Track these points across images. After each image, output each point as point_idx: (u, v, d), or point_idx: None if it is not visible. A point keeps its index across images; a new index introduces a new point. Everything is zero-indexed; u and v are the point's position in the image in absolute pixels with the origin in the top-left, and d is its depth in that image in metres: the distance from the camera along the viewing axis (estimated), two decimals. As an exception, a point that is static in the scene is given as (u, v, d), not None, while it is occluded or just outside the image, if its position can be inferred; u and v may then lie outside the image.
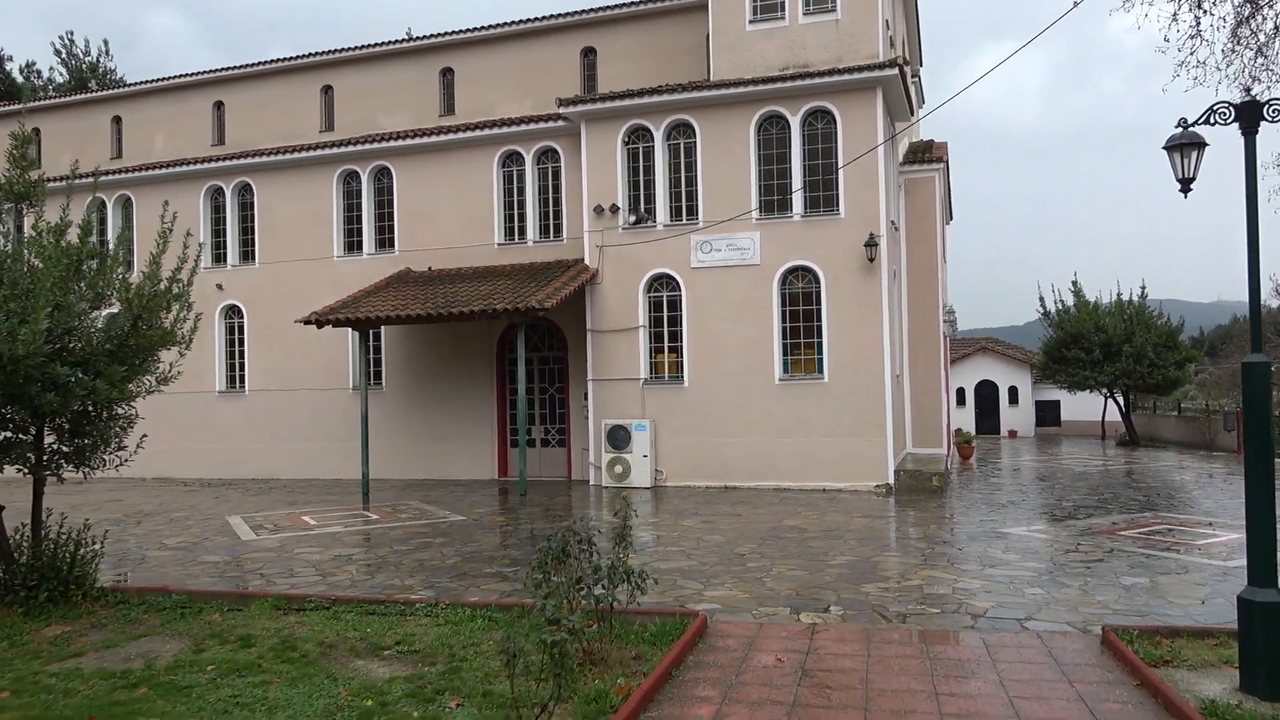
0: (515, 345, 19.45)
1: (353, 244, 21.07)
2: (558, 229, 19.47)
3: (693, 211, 17.77)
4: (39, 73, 36.69)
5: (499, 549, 11.25)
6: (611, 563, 6.80)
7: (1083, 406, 36.42)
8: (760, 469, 17.06)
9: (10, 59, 35.10)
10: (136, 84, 26.62)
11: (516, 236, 19.76)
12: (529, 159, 19.51)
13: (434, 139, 19.93)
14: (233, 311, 21.94)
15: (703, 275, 17.52)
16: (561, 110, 18.17)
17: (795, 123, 17.08)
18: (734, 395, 17.26)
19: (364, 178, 20.78)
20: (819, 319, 16.96)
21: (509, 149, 19.66)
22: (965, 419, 36.38)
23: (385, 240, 20.82)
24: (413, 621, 7.58)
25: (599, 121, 18.19)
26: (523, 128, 19.25)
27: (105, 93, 26.63)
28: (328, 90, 23.63)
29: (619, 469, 17.53)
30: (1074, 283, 31.51)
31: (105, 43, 41.33)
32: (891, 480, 16.39)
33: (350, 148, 20.59)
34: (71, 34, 38.29)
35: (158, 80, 25.58)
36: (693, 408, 17.52)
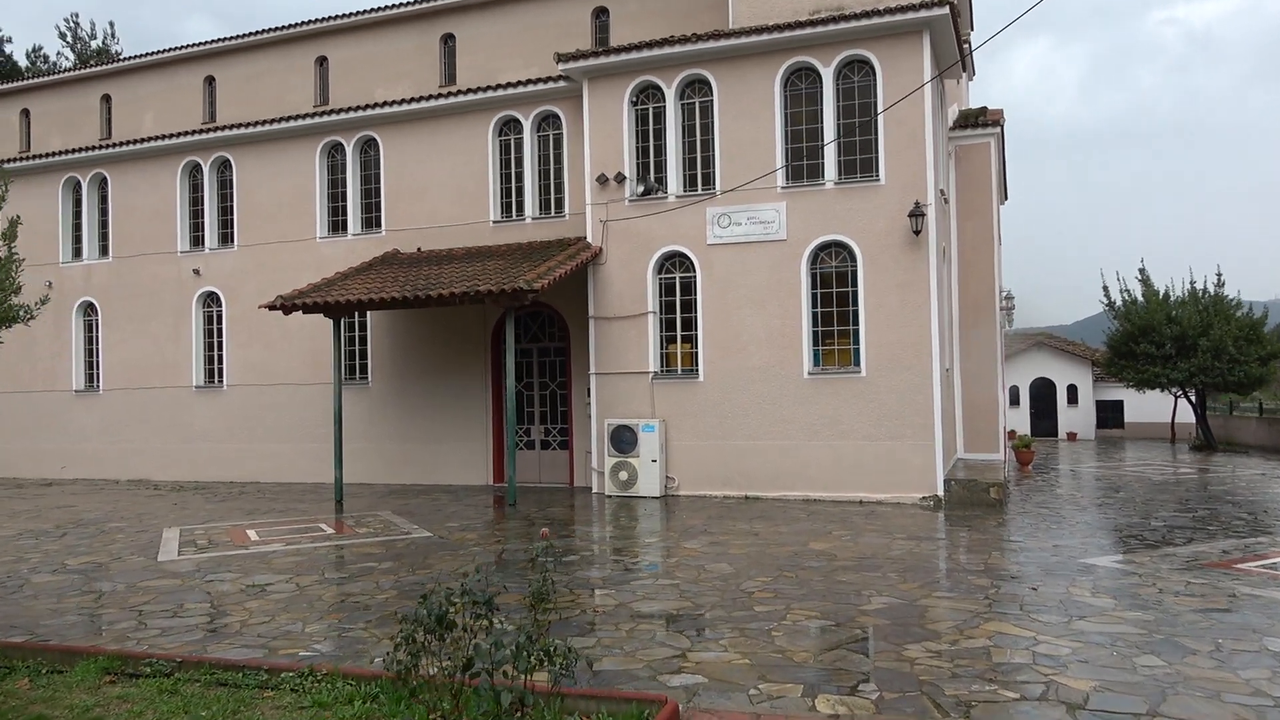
0: (515, 334, 17.38)
1: (337, 224, 19.08)
2: (559, 205, 17.28)
3: (709, 180, 15.46)
4: (45, 57, 35.45)
5: (453, 578, 9.07)
6: (522, 639, 4.52)
7: (1149, 407, 33.42)
8: (786, 477, 14.72)
9: (10, 40, 33.83)
10: (125, 59, 24.99)
11: (514, 213, 17.61)
12: (528, 126, 17.34)
13: (423, 105, 17.85)
14: (211, 299, 20.09)
15: (720, 253, 15.22)
16: (562, 67, 15.97)
17: (828, 75, 14.70)
18: (756, 392, 14.93)
19: (349, 150, 18.78)
20: (855, 303, 14.57)
21: (506, 115, 17.51)
22: (1020, 420, 33.58)
23: (372, 219, 18.80)
24: (268, 701, 5.41)
25: (604, 79, 15.96)
26: (520, 90, 17.09)
27: (93, 70, 24.98)
28: (322, 62, 21.76)
29: (624, 475, 15.29)
30: (1141, 271, 28.62)
31: (111, 25, 40.06)
32: (941, 491, 13.95)
33: (333, 117, 18.60)
34: (76, 16, 37.17)
35: (147, 55, 23.93)
36: (709, 406, 15.22)
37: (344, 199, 18.92)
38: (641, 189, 15.74)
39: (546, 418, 17.46)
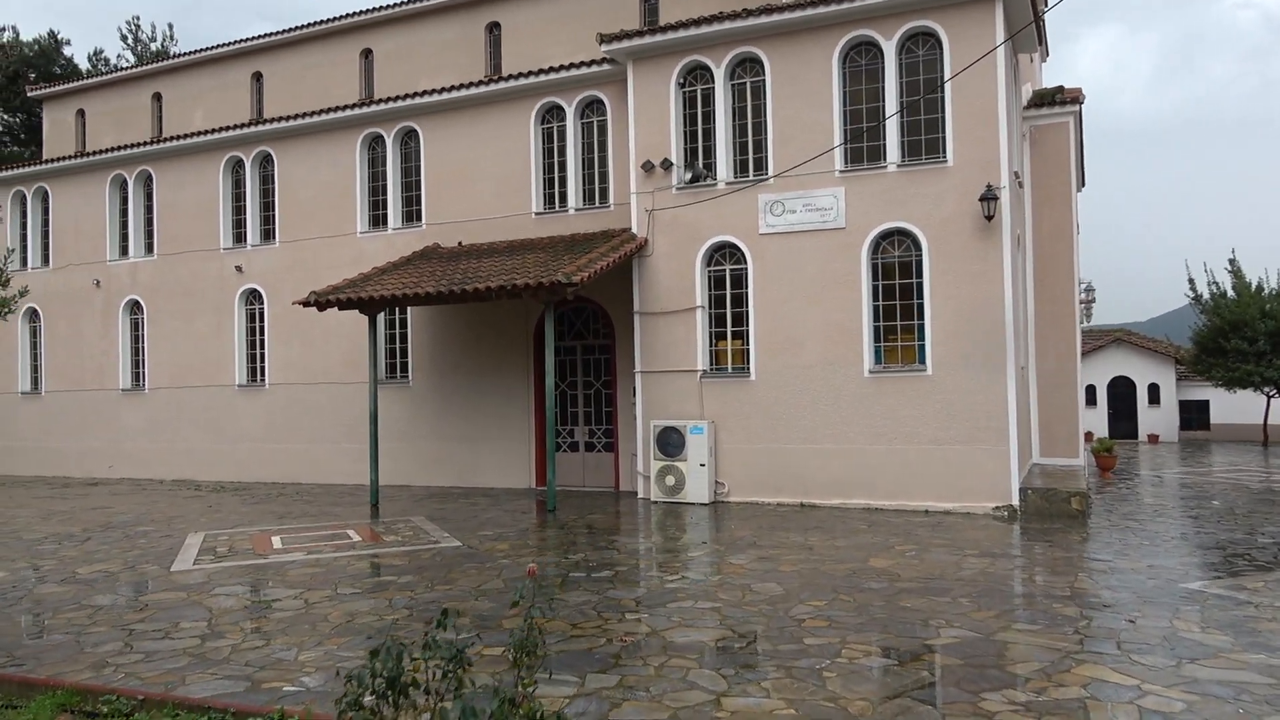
0: (558, 331, 16.61)
1: (378, 218, 18.52)
2: (603, 195, 16.44)
3: (761, 166, 14.46)
4: (106, 60, 35.85)
5: (470, 596, 8.28)
6: (499, 704, 3.66)
7: (1238, 407, 31.33)
8: (845, 483, 13.66)
9: (68, 43, 34.28)
10: (175, 57, 24.90)
11: (557, 204, 16.82)
12: (571, 112, 16.53)
13: (463, 93, 17.16)
14: (253, 296, 19.72)
15: (773, 243, 14.21)
16: (605, 48, 15.11)
17: (890, 50, 13.59)
18: (812, 391, 13.90)
19: (389, 142, 18.20)
20: (920, 296, 13.45)
21: (548, 102, 16.73)
22: (1096, 421, 31.78)
23: (413, 213, 18.19)
24: (226, 754, 4.65)
25: (649, 60, 15.07)
26: (563, 74, 16.28)
27: (144, 69, 24.95)
28: (367, 55, 21.33)
29: (670, 480, 14.38)
30: (1231, 263, 26.77)
31: (170, 27, 40.49)
32: (1016, 501, 12.76)
33: (373, 108, 18.03)
34: (137, 19, 37.55)
35: (197, 52, 23.81)
36: (761, 407, 14.23)
37: (384, 192, 18.36)
38: (689, 176, 14.81)
39: (591, 418, 16.63)
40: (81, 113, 25.62)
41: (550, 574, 9.16)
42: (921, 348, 13.45)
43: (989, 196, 12.74)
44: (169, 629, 7.35)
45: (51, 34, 33.57)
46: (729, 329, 14.66)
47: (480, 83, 17.06)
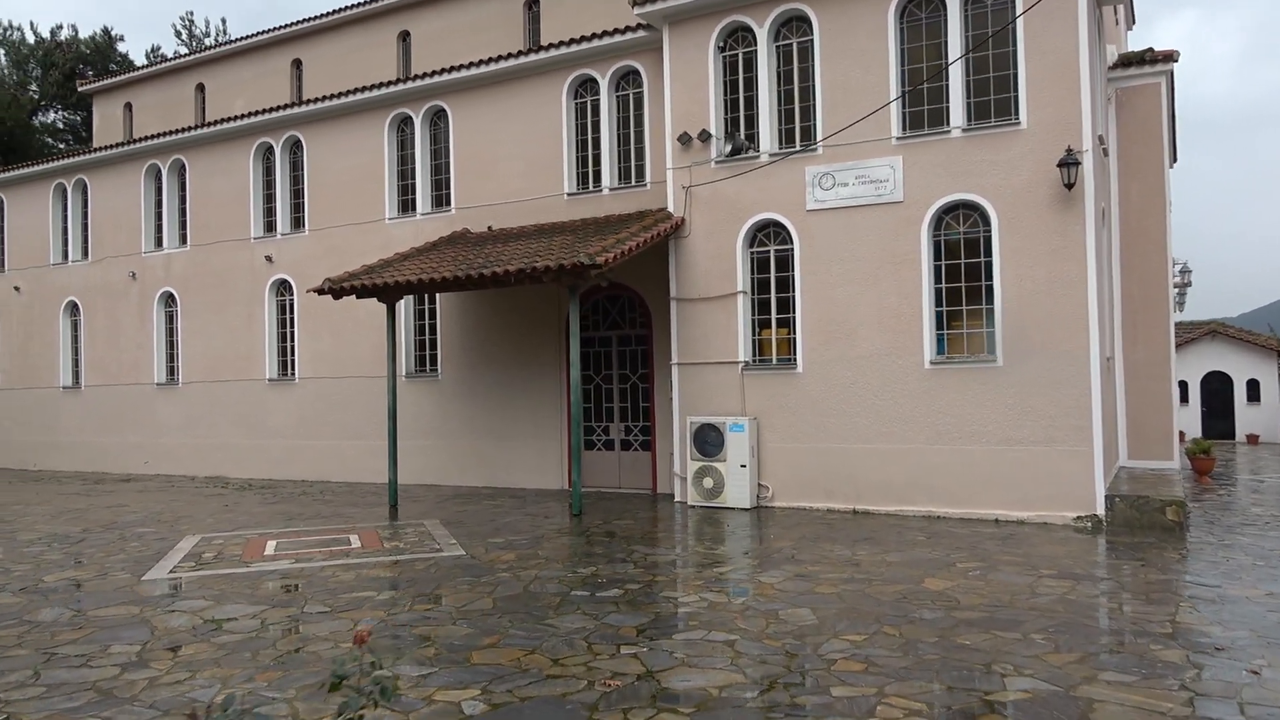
0: (592, 321, 15.50)
1: (406, 203, 17.60)
2: (639, 173, 15.20)
3: (809, 135, 13.06)
4: (163, 56, 35.91)
5: (449, 619, 7.13)
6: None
7: (1350, 405, 28.60)
8: (903, 488, 12.20)
9: (122, 39, 34.40)
10: (217, 46, 24.47)
11: (590, 184, 15.64)
12: (605, 85, 15.33)
13: (493, 67, 16.09)
14: (283, 287, 19.00)
15: (823, 220, 12.80)
16: (639, 11, 13.86)
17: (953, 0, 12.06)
18: (866, 385, 12.46)
19: (418, 123, 17.25)
20: (989, 276, 11.90)
21: (581, 74, 15.55)
22: (1189, 420, 29.36)
23: (441, 197, 17.22)
24: None
25: (686, 22, 13.77)
26: (596, 44, 15.08)
27: (187, 59, 24.55)
28: (405, 37, 20.52)
29: (709, 482, 13.08)
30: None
31: (223, 21, 40.53)
32: (1101, 510, 11.14)
33: (400, 86, 17.09)
34: (191, 14, 37.72)
35: (237, 41, 23.35)
36: (809, 402, 12.84)
37: (413, 176, 17.43)
38: (729, 148, 13.47)
39: (627, 414, 15.41)
40: (129, 106, 25.42)
41: (550, 591, 7.98)
42: (990, 335, 11.91)
43: (1069, 162, 11.14)
44: (94, 654, 6.36)
45: (106, 30, 33.74)
46: (773, 316, 13.30)
47: (509, 56, 15.97)
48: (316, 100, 18.18)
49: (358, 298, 14.29)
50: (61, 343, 22.30)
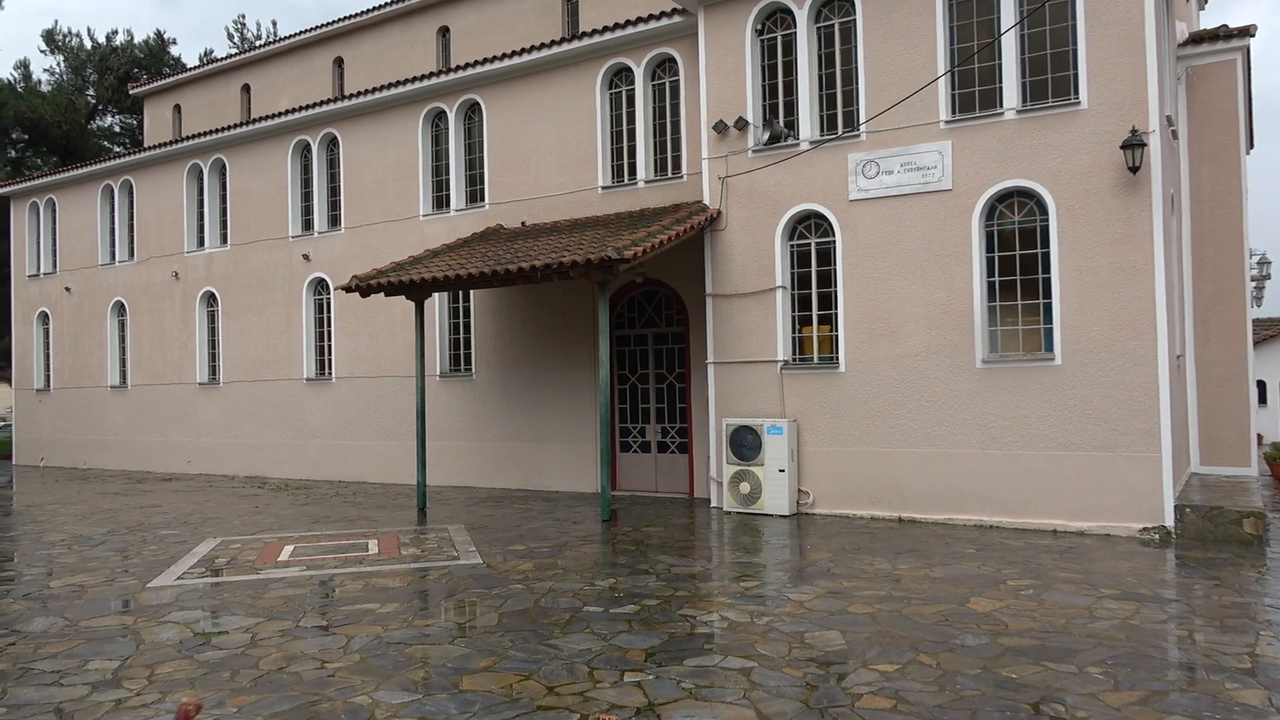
0: (627, 318, 14.99)
1: (440, 199, 17.26)
2: (675, 164, 14.61)
3: (850, 121, 12.34)
4: (214, 59, 36.35)
5: (445, 638, 6.65)
6: None
7: None
8: (953, 495, 11.43)
9: (174, 42, 34.85)
10: (261, 46, 24.50)
11: (625, 177, 15.10)
12: (640, 74, 14.77)
13: (526, 58, 15.64)
14: (320, 286, 18.82)
15: (866, 211, 12.07)
16: (672, -5, 13.29)
17: (1008, -28, 11.24)
18: (913, 385, 11.71)
19: (451, 117, 16.89)
20: (1046, 269, 11.07)
21: (616, 63, 15.02)
22: (1267, 422, 27.75)
23: (476, 193, 16.84)
24: None
25: (722, 5, 13.15)
26: (630, 31, 14.54)
27: (233, 60, 24.65)
28: (444, 32, 20.28)
29: (745, 487, 12.45)
30: None
31: (274, 24, 40.89)
32: (1171, 521, 10.26)
33: (434, 80, 16.75)
34: (243, 17, 38.13)
35: (281, 40, 23.36)
36: (852, 403, 12.13)
37: (447, 172, 17.08)
38: (768, 136, 12.81)
39: (664, 415, 14.84)
40: (178, 108, 25.65)
41: (560, 606, 7.45)
42: (1048, 332, 11.07)
43: (1134, 143, 10.26)
44: (70, 670, 6.02)
45: (158, 34, 34.23)
46: (814, 313, 12.61)
47: (543, 46, 15.50)
48: (352, 96, 17.95)
49: (386, 295, 13.95)
50: (109, 342, 22.50)
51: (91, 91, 33.59)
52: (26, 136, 31.18)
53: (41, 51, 34.73)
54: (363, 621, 7.12)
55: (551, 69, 15.64)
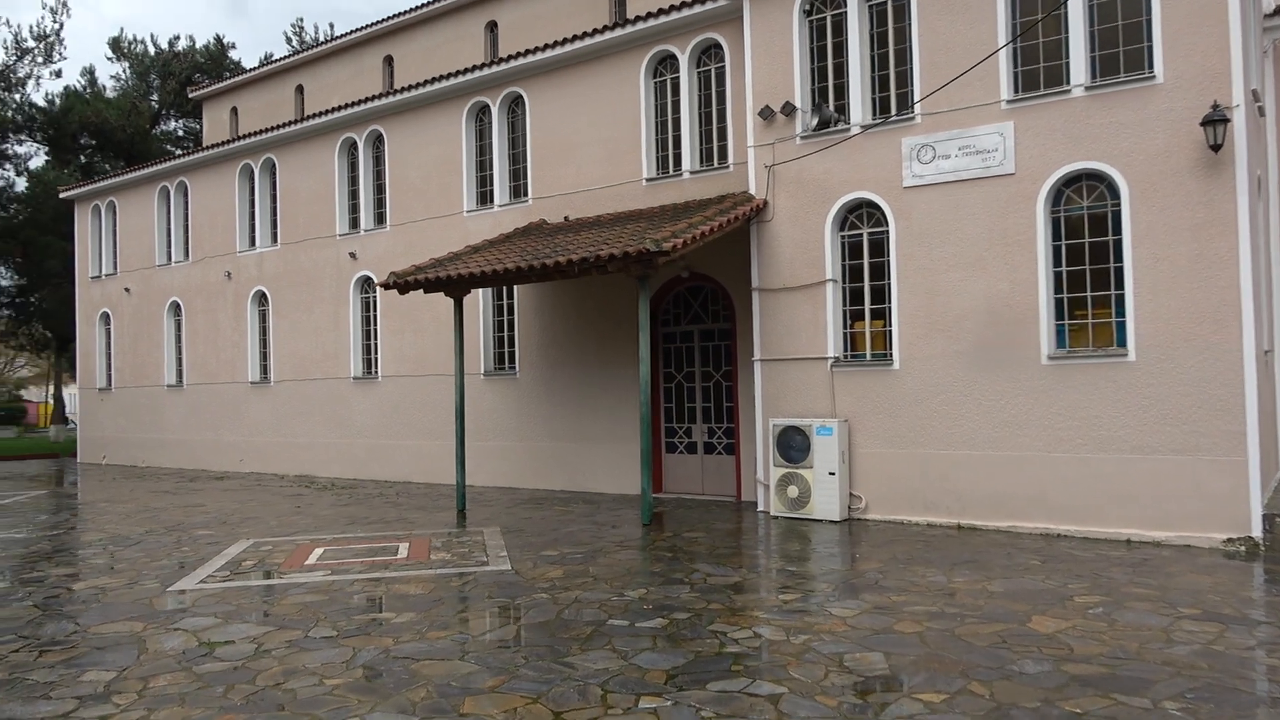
0: (672, 315, 14.51)
1: (484, 195, 16.96)
2: (721, 154, 14.05)
3: (905, 102, 11.65)
4: (272, 61, 36.81)
5: (455, 653, 6.23)
6: None
7: None
8: (1016, 501, 10.67)
9: (234, 46, 35.36)
10: (314, 47, 24.60)
11: (670, 168, 14.59)
12: (684, 61, 14.25)
13: (569, 48, 15.24)
14: (367, 284, 18.70)
15: (922, 198, 11.37)
16: (716, -23, 12.73)
17: (1075, -61, 10.45)
18: (973, 383, 10.98)
19: (495, 111, 16.57)
20: (1118, 257, 10.25)
21: (661, 51, 14.52)
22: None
23: (519, 187, 16.50)
24: None
25: (768, -14, 12.56)
26: (675, 16, 14.02)
27: (287, 61, 24.81)
28: (492, 27, 20.02)
29: (793, 491, 11.85)
30: None
31: (331, 26, 41.28)
32: (1258, 531, 9.38)
33: (476, 74, 16.45)
34: (301, 21, 38.60)
35: (333, 40, 23.42)
36: (907, 402, 11.45)
37: (490, 167, 16.77)
38: (816, 121, 12.19)
39: (711, 415, 14.29)
40: (234, 110, 25.92)
41: (584, 619, 6.98)
42: (1120, 325, 10.25)
43: (1216, 119, 9.41)
44: (63, 681, 5.75)
45: (218, 38, 34.77)
46: (867, 307, 11.94)
47: (585, 35, 15.07)
48: (396, 91, 17.77)
49: (425, 292, 13.69)
50: (166, 342, 22.77)
51: (155, 97, 34.27)
52: (94, 141, 31.90)
53: (108, 59, 35.55)
54: (374, 633, 6.75)
55: (595, 59, 15.21)
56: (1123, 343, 10.19)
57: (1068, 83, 10.47)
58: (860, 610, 7.16)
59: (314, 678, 5.73)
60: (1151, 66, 9.98)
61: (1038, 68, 10.78)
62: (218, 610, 7.54)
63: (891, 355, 11.60)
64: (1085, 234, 10.50)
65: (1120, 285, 10.22)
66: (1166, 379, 9.84)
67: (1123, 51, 10.28)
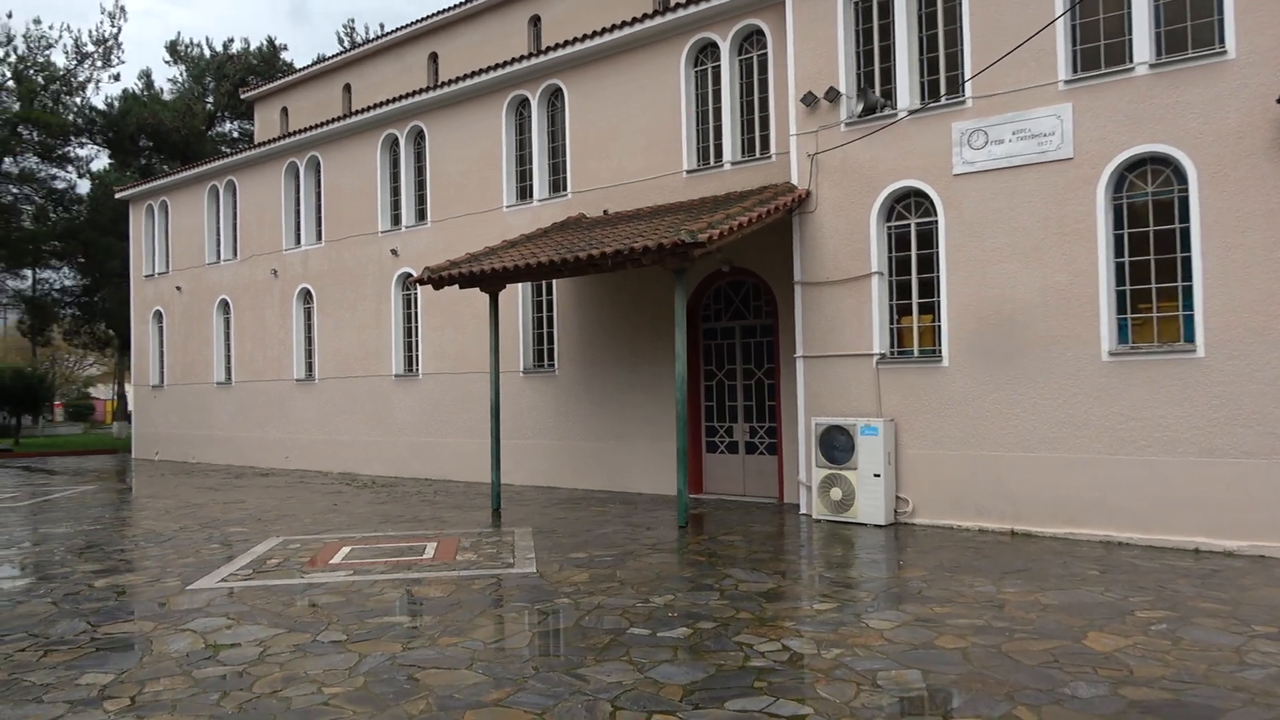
0: (713, 310, 14.12)
1: (524, 190, 16.72)
2: (764, 144, 13.59)
3: (954, 85, 11.07)
4: (321, 60, 37.17)
5: (464, 661, 5.92)
6: None
7: None
8: (1074, 506, 10.04)
9: (285, 48, 35.75)
10: (360, 46, 24.67)
11: (710, 159, 14.16)
12: (726, 49, 13.81)
13: (608, 38, 14.90)
14: (408, 281, 18.59)
15: (973, 186, 10.79)
16: (757, -40, 12.28)
17: (1139, -93, 9.78)
18: (1028, 381, 10.38)
19: (534, 104, 16.31)
20: (1185, 246, 9.57)
21: (702, 39, 14.10)
22: None
23: (558, 181, 16.22)
24: None
25: (811, -32, 12.06)
26: (716, 2, 13.58)
27: (335, 60, 24.94)
28: (536, 21, 19.79)
29: (837, 493, 11.35)
30: None
31: (381, 26, 41.53)
32: (1341, 543, 8.65)
33: (514, 66, 16.21)
34: (352, 22, 39.02)
35: (379, 38, 23.49)
36: (957, 401, 10.87)
37: (530, 161, 16.52)
38: (861, 107, 11.66)
39: (752, 414, 13.84)
40: (285, 110, 26.13)
41: (604, 627, 6.62)
42: (1188, 320, 9.57)
43: (1296, 95, 8.71)
44: (60, 684, 5.56)
45: (270, 40, 35.23)
46: (914, 301, 11.39)
47: (624, 24, 14.72)
48: (436, 86, 17.63)
49: (460, 287, 13.46)
50: (215, 340, 23.00)
51: (210, 99, 34.83)
52: (150, 143, 32.51)
53: (166, 62, 36.28)
54: (384, 637, 6.47)
55: (635, 48, 14.85)
56: (1190, 338, 9.51)
57: (1130, 60, 9.81)
58: (900, 622, 6.68)
59: (313, 686, 5.46)
60: (1222, 41, 9.30)
61: (1098, 45, 10.13)
62: (231, 611, 7.34)
63: (940, 352, 11.04)
64: (1149, 222, 9.83)
65: (1188, 277, 9.54)
66: (1238, 377, 9.14)
67: (1190, 26, 9.59)
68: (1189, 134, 9.46)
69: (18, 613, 7.42)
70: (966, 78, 10.78)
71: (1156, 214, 9.79)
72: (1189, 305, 9.54)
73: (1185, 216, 9.55)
